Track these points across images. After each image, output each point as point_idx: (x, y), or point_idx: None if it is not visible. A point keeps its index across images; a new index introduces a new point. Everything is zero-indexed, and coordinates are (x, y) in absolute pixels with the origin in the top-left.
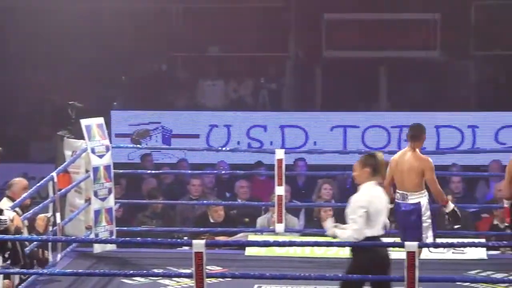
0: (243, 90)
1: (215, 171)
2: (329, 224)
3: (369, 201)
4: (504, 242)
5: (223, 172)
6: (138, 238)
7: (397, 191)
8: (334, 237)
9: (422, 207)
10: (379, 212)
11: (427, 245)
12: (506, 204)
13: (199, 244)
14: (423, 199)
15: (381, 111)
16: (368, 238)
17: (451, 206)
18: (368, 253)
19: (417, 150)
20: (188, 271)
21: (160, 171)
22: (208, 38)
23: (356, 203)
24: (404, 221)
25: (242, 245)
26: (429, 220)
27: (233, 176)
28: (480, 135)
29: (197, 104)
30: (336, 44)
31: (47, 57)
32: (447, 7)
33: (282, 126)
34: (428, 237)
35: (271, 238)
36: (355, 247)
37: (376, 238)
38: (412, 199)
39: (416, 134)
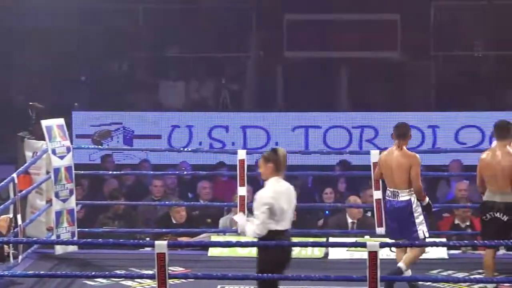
0: (204, 91)
1: (177, 172)
2: (241, 219)
3: (273, 197)
4: (465, 241)
5: (185, 172)
6: (100, 240)
7: (388, 189)
8: (244, 233)
9: (413, 204)
10: (284, 207)
11: (388, 245)
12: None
13: (161, 245)
14: (413, 196)
15: (342, 111)
16: (274, 232)
17: (427, 200)
18: (273, 249)
19: (404, 147)
20: (150, 272)
21: (122, 172)
22: (169, 38)
23: (260, 199)
24: (398, 218)
25: (205, 246)
26: (421, 216)
27: (195, 176)
28: (441, 135)
29: (158, 105)
30: (297, 44)
31: (6, 57)
32: (407, 8)
33: (243, 126)
34: (424, 231)
35: (233, 238)
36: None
37: (282, 232)
38: (403, 196)
39: (403, 132)
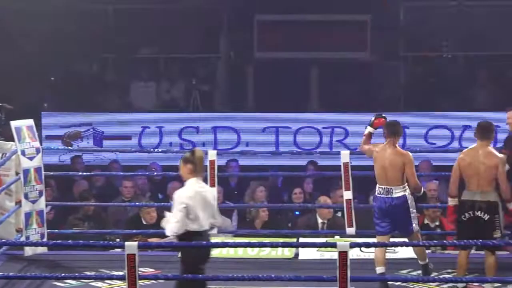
0: (175, 92)
1: (147, 173)
2: (168, 216)
3: (190, 197)
4: (435, 241)
5: (155, 173)
6: (70, 241)
7: (379, 186)
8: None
9: (408, 199)
10: (202, 207)
11: (359, 245)
12: (450, 202)
13: (131, 246)
14: (406, 191)
15: (313, 112)
16: (191, 232)
17: (422, 190)
18: (193, 248)
19: (397, 145)
20: (120, 273)
21: (92, 173)
22: (140, 39)
23: (178, 198)
24: (394, 215)
25: (175, 247)
26: (415, 210)
27: (165, 177)
28: (410, 135)
29: (129, 106)
30: (267, 45)
31: None
32: (377, 9)
33: (214, 127)
34: (416, 225)
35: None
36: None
37: (200, 232)
38: (397, 192)
39: (397, 130)
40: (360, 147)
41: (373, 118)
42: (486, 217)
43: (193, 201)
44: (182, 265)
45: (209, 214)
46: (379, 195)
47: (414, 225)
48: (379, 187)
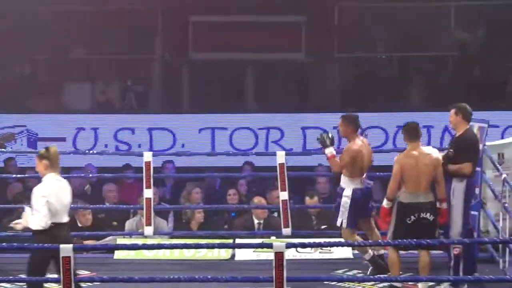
0: (110, 93)
1: (82, 175)
2: (27, 212)
3: (49, 192)
4: (370, 241)
5: (91, 175)
6: (4, 244)
7: (357, 178)
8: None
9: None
10: (60, 202)
11: (295, 245)
12: (385, 204)
13: (66, 248)
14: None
15: (249, 113)
16: (55, 225)
17: None
18: (47, 237)
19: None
20: (55, 276)
21: (26, 175)
22: (74, 40)
23: (37, 193)
24: (366, 202)
25: (111, 249)
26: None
27: (101, 179)
28: None
29: (63, 107)
30: (203, 46)
31: None
32: (312, 9)
33: (150, 128)
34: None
35: (140, 241)
36: (36, 231)
37: (60, 225)
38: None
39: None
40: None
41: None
42: (431, 218)
43: (51, 195)
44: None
45: (66, 208)
46: (358, 187)
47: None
48: (358, 179)
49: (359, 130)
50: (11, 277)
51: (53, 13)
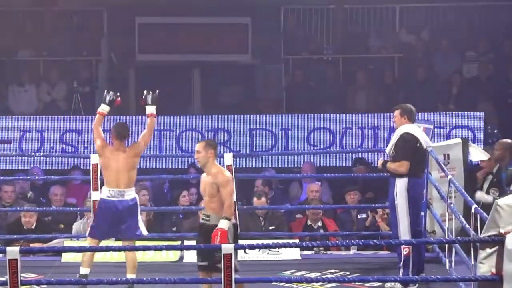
0: (56, 94)
1: (28, 177)
2: None
3: None
4: (317, 242)
5: (37, 178)
6: None
7: (110, 189)
8: None
9: (138, 202)
10: None
11: (243, 247)
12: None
13: (13, 251)
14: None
15: (196, 114)
16: None
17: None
18: None
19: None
20: (2, 279)
21: None
22: (18, 42)
23: None
24: (120, 218)
25: (58, 252)
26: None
27: (47, 181)
28: (293, 138)
29: (8, 110)
30: (149, 47)
31: None
32: (258, 11)
33: None
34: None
35: (87, 243)
36: None
37: None
38: (130, 194)
39: (126, 133)
40: (94, 127)
41: (113, 97)
42: None
43: None
44: None
45: None
46: (109, 198)
47: (141, 229)
48: (109, 190)
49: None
50: None
51: None
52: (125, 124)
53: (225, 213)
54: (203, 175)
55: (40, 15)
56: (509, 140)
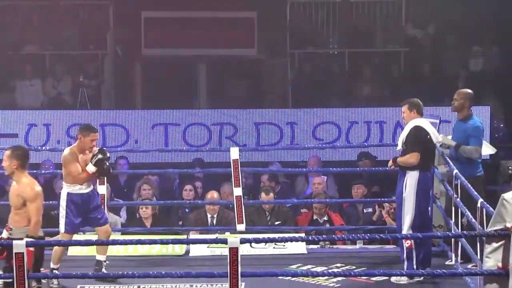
0: (62, 88)
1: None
2: None
3: None
4: (323, 236)
5: (44, 172)
6: None
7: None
8: None
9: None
10: None
11: (249, 241)
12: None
13: (19, 244)
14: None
15: (202, 109)
16: None
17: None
18: None
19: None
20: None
21: None
22: (24, 36)
23: None
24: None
25: (64, 245)
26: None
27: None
28: (299, 132)
29: (14, 104)
30: (155, 42)
31: None
32: (264, 6)
33: (102, 124)
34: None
35: (93, 237)
36: None
37: None
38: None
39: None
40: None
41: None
42: None
43: None
44: None
45: None
46: (84, 191)
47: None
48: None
49: None
50: None
51: (4, 9)
52: None
53: (30, 232)
54: (14, 183)
55: (46, 9)
56: (468, 90)
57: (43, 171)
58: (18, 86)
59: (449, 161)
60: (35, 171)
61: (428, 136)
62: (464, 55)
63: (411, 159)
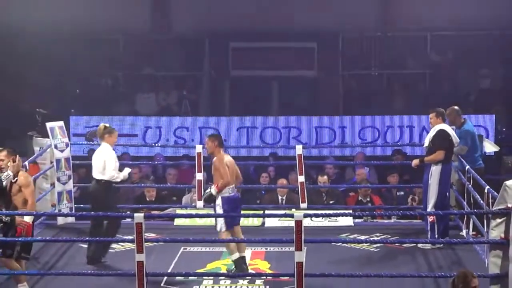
0: (170, 100)
1: (150, 162)
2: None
3: None
4: (366, 212)
5: (156, 163)
6: (92, 212)
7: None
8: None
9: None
10: None
11: (310, 215)
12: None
13: (139, 216)
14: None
15: (275, 116)
16: None
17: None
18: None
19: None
20: (130, 237)
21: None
22: (142, 61)
23: None
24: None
25: (172, 217)
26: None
27: (165, 165)
28: (348, 134)
29: (135, 111)
30: (240, 65)
31: (17, 76)
32: (322, 37)
33: (200, 127)
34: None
35: (193, 211)
36: None
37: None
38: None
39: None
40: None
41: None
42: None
43: None
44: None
45: None
46: (233, 193)
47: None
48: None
49: None
50: (97, 238)
51: (126, 40)
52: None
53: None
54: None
55: (158, 41)
56: (454, 107)
57: (156, 162)
58: (138, 98)
59: (462, 159)
60: (150, 162)
61: (450, 137)
62: (475, 76)
63: (439, 156)
